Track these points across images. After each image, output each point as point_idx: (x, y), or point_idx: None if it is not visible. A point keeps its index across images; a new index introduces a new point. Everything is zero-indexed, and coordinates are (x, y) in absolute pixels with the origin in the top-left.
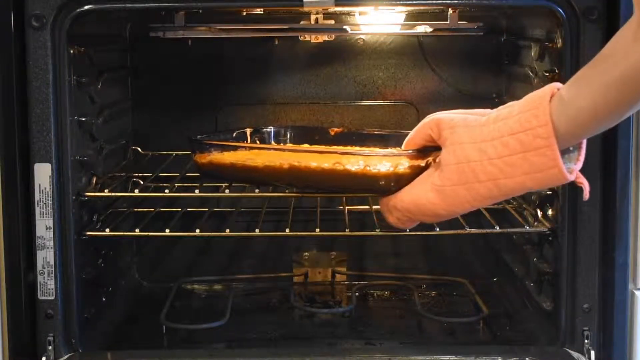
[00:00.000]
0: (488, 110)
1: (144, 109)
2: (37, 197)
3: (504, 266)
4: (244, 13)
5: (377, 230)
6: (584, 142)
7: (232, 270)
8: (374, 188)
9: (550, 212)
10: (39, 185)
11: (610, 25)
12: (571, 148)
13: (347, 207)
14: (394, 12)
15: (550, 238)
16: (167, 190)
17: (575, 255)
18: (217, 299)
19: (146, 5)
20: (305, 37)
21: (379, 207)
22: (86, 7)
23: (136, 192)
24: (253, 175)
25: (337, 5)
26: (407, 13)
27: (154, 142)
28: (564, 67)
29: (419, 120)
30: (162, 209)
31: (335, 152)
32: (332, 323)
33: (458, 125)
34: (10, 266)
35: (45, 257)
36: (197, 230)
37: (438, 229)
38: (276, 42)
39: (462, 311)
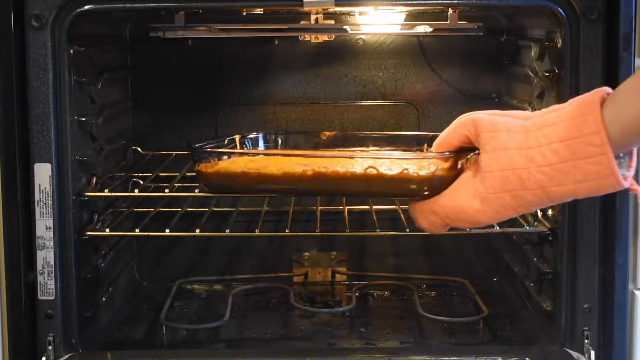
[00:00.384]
0: (525, 113)
1: (144, 109)
2: (37, 197)
3: (504, 266)
4: (244, 13)
5: (377, 230)
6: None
7: (232, 270)
8: (411, 192)
9: (550, 212)
10: (39, 185)
11: (610, 25)
12: (621, 154)
13: (347, 207)
14: (394, 12)
15: (550, 238)
16: (167, 190)
17: (575, 255)
18: (217, 299)
19: (146, 5)
20: (305, 37)
21: (379, 207)
22: (86, 7)
23: (136, 192)
24: (269, 184)
25: (337, 5)
26: (407, 13)
27: (154, 142)
28: (564, 67)
29: (419, 120)
30: (162, 209)
31: (370, 157)
32: (332, 323)
33: (500, 130)
34: (10, 266)
35: (45, 257)
36: (197, 230)
37: None
38: (276, 42)
39: (462, 311)
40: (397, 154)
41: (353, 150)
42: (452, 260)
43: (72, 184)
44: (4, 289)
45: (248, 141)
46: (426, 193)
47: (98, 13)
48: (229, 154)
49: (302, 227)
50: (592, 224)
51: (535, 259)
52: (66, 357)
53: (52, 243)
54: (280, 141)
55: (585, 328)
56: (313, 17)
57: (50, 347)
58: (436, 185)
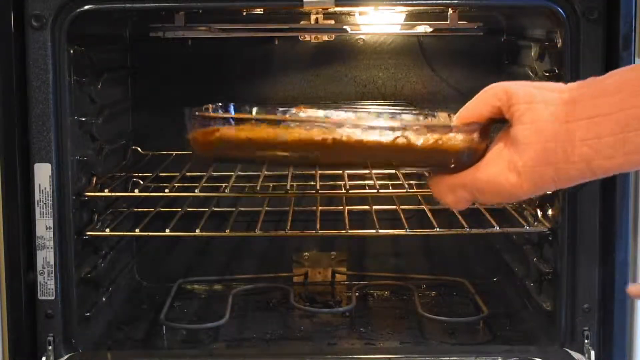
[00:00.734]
0: (558, 85)
1: (144, 109)
2: (37, 197)
3: (504, 266)
4: (244, 13)
5: (377, 230)
6: None
7: (232, 270)
8: (441, 164)
9: (550, 212)
10: (39, 185)
11: (610, 25)
12: None
13: (347, 207)
14: (394, 12)
15: (550, 238)
16: (167, 190)
17: (575, 255)
18: (217, 299)
19: (146, 5)
20: (305, 37)
21: (379, 207)
22: (86, 7)
23: (136, 192)
24: (278, 153)
25: (337, 5)
26: (407, 13)
27: (154, 142)
28: (564, 67)
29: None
30: (162, 209)
31: (400, 126)
32: (332, 323)
33: (536, 102)
34: (10, 266)
35: (45, 257)
36: (197, 230)
37: (438, 229)
38: (276, 42)
39: (462, 311)
40: (427, 122)
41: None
42: (452, 260)
43: (72, 184)
44: (4, 289)
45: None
46: (455, 166)
47: (98, 13)
48: (238, 120)
49: (302, 227)
50: (592, 224)
51: (535, 259)
52: (66, 357)
53: (52, 243)
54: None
55: (585, 328)
56: (313, 17)
57: (50, 347)
58: (467, 158)
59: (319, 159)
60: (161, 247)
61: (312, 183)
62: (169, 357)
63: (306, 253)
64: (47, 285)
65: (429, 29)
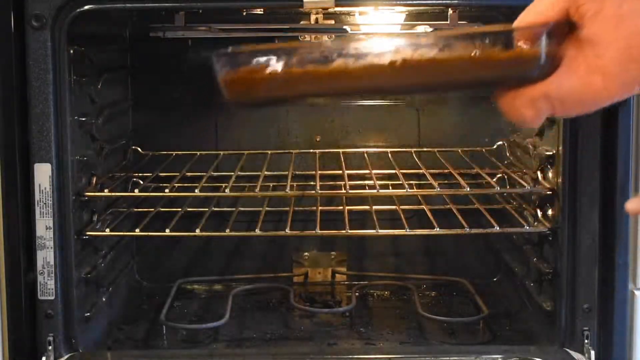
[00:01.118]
0: None
1: (144, 109)
2: (37, 197)
3: (504, 266)
4: (244, 13)
5: (377, 230)
6: None
7: (232, 270)
8: (525, 74)
9: (550, 212)
10: (39, 185)
11: None
12: None
13: (347, 207)
14: (394, 12)
15: (550, 238)
16: (167, 190)
17: (575, 255)
18: (217, 299)
19: (146, 5)
20: (305, 37)
21: (379, 207)
22: (86, 7)
23: (136, 192)
24: (340, 83)
25: (337, 5)
26: (407, 13)
27: (154, 142)
28: None
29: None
30: (162, 209)
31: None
32: (332, 323)
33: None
34: (10, 266)
35: (45, 257)
36: (197, 230)
37: (438, 229)
38: (276, 42)
39: (462, 311)
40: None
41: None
42: (452, 260)
43: (72, 184)
44: (4, 289)
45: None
46: (538, 74)
47: (98, 13)
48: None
49: (302, 227)
50: (592, 224)
51: (535, 259)
52: (66, 357)
53: (52, 243)
54: None
55: (585, 328)
56: (313, 17)
57: (50, 347)
58: (549, 64)
59: (385, 85)
60: (161, 247)
61: (312, 183)
62: (169, 357)
63: (306, 253)
64: (47, 285)
65: (429, 29)
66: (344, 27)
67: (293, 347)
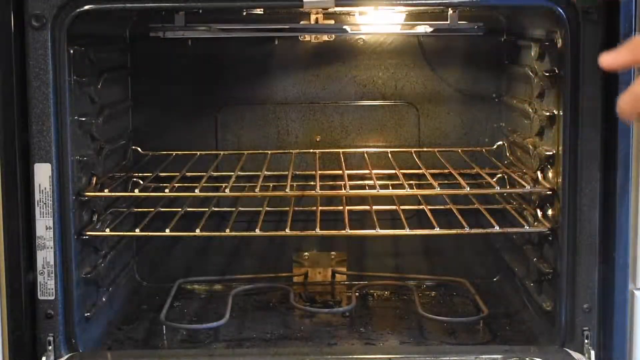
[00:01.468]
0: None
1: (144, 109)
2: (37, 197)
3: (504, 266)
4: (244, 13)
5: (377, 230)
6: None
7: (232, 270)
8: None
9: (550, 212)
10: (39, 185)
11: (610, 25)
12: None
13: (347, 207)
14: (394, 12)
15: (550, 238)
16: (167, 190)
17: (575, 255)
18: (217, 299)
19: (146, 5)
20: (305, 37)
21: (379, 207)
22: (86, 7)
23: (136, 192)
24: None
25: (337, 5)
26: (407, 13)
27: (154, 142)
28: (564, 67)
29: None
30: (162, 209)
31: None
32: (332, 323)
33: None
34: (10, 266)
35: (45, 257)
36: (197, 230)
37: (438, 229)
38: (276, 42)
39: (462, 311)
40: None
41: None
42: (452, 260)
43: (72, 184)
44: (4, 289)
45: None
46: None
47: (98, 13)
48: None
49: (302, 227)
50: (592, 224)
51: (535, 259)
52: (66, 357)
53: (52, 243)
54: None
55: (585, 328)
56: (313, 17)
57: (50, 347)
58: None
59: None
60: (161, 247)
61: (312, 183)
62: (169, 357)
63: (306, 253)
64: (47, 285)
65: (429, 29)
66: (344, 27)
67: (293, 347)
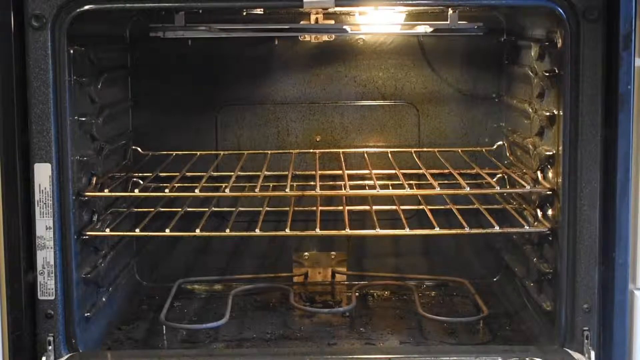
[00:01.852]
0: None
1: (144, 109)
2: (37, 197)
3: (504, 266)
4: (244, 13)
5: (377, 230)
6: None
7: (232, 270)
8: None
9: (550, 212)
10: (39, 185)
11: (610, 25)
12: None
13: (347, 207)
14: (394, 12)
15: (550, 238)
16: (167, 190)
17: (575, 255)
18: (217, 299)
19: (146, 5)
20: (305, 37)
21: (379, 207)
22: (86, 7)
23: (136, 192)
24: None
25: (337, 5)
26: (407, 13)
27: (153, 142)
28: (564, 67)
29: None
30: (162, 209)
31: None
32: (332, 323)
33: None
34: (10, 266)
35: (45, 257)
36: (197, 230)
37: (438, 229)
38: (276, 42)
39: (462, 311)
40: None
41: None
42: (452, 260)
43: (72, 184)
44: (4, 289)
45: None
46: None
47: (98, 13)
48: None
49: (302, 227)
50: (592, 224)
51: (535, 259)
52: (66, 357)
53: (52, 243)
54: None
55: (585, 328)
56: (313, 17)
57: (50, 347)
58: None
59: None
60: (161, 247)
61: (312, 183)
62: (169, 357)
63: (306, 253)
64: (47, 285)
65: (429, 29)
66: (344, 27)
67: (293, 347)
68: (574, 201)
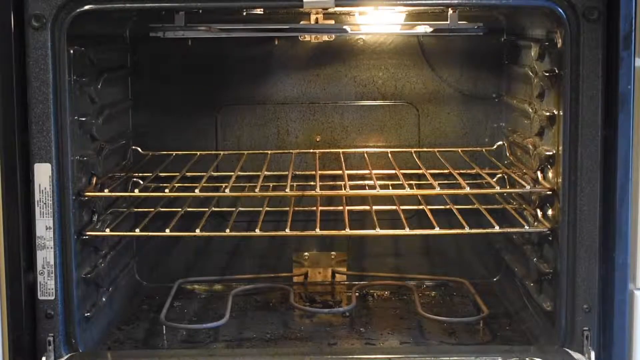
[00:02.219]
0: None
1: (144, 109)
2: (37, 197)
3: (504, 266)
4: (244, 13)
5: (377, 230)
6: None
7: (232, 270)
8: None
9: (550, 212)
10: (39, 185)
11: (610, 25)
12: None
13: (347, 207)
14: (394, 12)
15: (550, 238)
16: (167, 190)
17: (575, 255)
18: (217, 299)
19: (146, 5)
20: (305, 37)
21: (379, 207)
22: (86, 7)
23: (136, 192)
24: None
25: (337, 5)
26: (407, 13)
27: (153, 142)
28: (564, 67)
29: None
30: (162, 209)
31: None
32: (332, 323)
33: None
34: (10, 266)
35: (45, 257)
36: (197, 230)
37: (438, 229)
38: (276, 42)
39: (462, 311)
40: None
41: None
42: (452, 260)
43: (72, 184)
44: (4, 289)
45: None
46: None
47: (98, 13)
48: None
49: (302, 227)
50: (592, 224)
51: (535, 259)
52: (66, 357)
53: (52, 243)
54: None
55: (585, 328)
56: (313, 17)
57: (50, 347)
58: None
59: None
60: (161, 247)
61: (312, 183)
62: (169, 357)
63: (306, 253)
64: (47, 285)
65: (429, 29)
66: (344, 27)
67: (293, 347)
68: (574, 201)
